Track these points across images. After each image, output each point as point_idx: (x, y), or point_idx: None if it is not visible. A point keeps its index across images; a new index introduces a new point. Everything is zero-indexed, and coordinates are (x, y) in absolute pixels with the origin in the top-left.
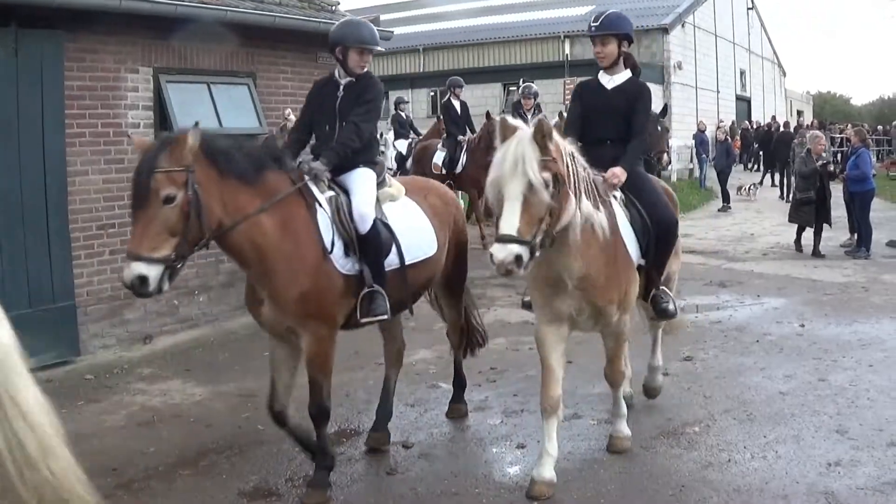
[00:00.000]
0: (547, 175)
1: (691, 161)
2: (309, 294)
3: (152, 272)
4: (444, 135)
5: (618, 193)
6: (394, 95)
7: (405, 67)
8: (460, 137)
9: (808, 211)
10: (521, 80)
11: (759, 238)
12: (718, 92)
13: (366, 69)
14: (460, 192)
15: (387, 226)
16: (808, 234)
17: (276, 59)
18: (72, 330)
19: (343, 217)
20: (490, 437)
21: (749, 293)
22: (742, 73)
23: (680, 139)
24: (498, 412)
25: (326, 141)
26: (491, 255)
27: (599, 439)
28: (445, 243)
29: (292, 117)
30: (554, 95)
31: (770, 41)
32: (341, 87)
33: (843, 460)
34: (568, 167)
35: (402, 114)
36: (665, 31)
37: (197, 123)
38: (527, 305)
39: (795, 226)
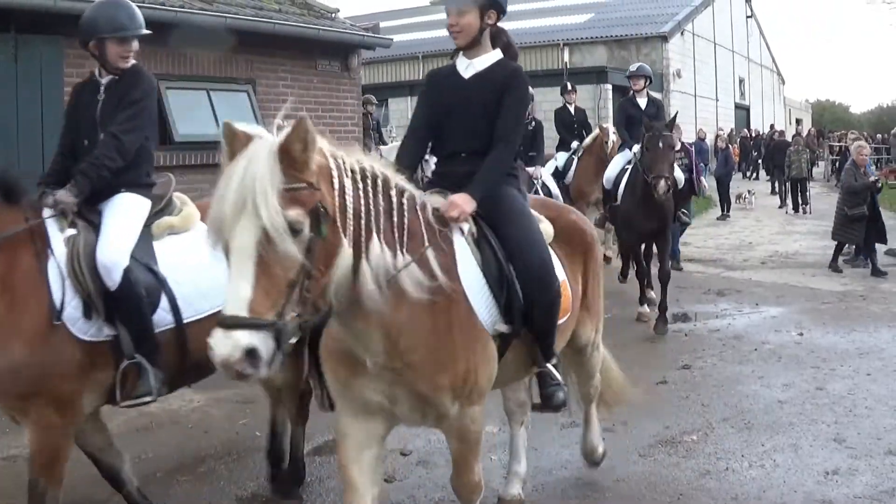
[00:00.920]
0: (297, 213)
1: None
2: (26, 370)
3: None
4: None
5: (465, 226)
6: (394, 104)
7: (405, 75)
8: (574, 144)
9: (859, 228)
10: None
11: (757, 247)
12: (717, 100)
13: (130, 62)
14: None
15: (153, 272)
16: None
17: (275, 66)
18: None
19: (78, 266)
20: (487, 444)
21: (747, 302)
22: (741, 81)
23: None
24: (496, 420)
25: (85, 159)
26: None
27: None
28: None
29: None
30: (552, 103)
31: (769, 49)
32: (101, 89)
33: (841, 469)
34: (344, 193)
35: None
36: (664, 38)
37: None
38: None
39: (835, 242)
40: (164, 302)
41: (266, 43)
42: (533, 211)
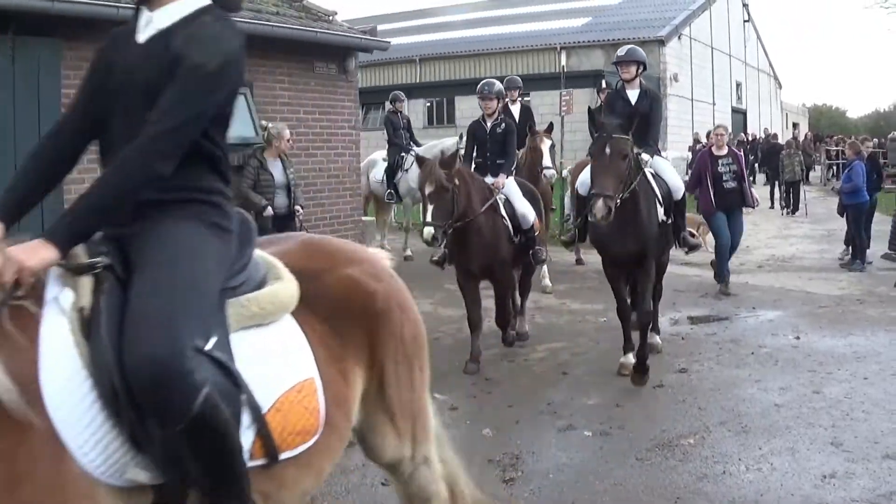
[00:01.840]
0: None
1: (687, 173)
2: None
3: None
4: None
5: (64, 296)
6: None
7: (402, 78)
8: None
9: None
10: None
11: (754, 250)
12: (714, 104)
13: None
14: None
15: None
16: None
17: (272, 69)
18: None
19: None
20: (484, 447)
21: (744, 305)
22: (738, 85)
23: (676, 151)
24: (492, 423)
25: None
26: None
27: (595, 451)
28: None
29: (270, 126)
30: (551, 106)
31: (766, 53)
32: None
33: (839, 473)
34: None
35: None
36: (661, 42)
37: None
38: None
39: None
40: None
41: (263, 45)
42: (268, 257)
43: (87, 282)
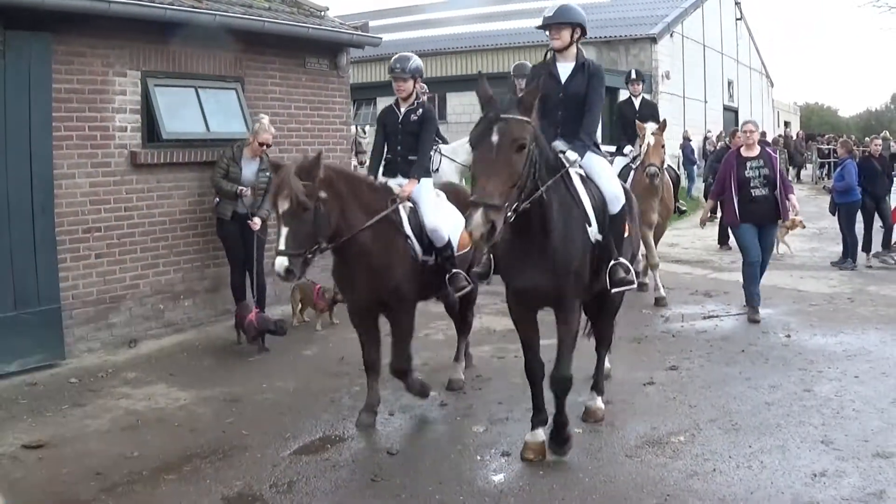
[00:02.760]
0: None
1: (681, 168)
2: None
3: None
4: None
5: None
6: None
7: None
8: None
9: None
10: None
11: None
12: (706, 102)
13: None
14: None
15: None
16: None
17: (264, 64)
18: (57, 333)
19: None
20: (475, 444)
21: (735, 303)
22: (730, 83)
23: (668, 148)
24: (483, 420)
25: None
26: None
27: (584, 447)
28: None
29: (265, 120)
30: None
31: (758, 52)
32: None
33: (829, 471)
34: None
35: None
36: (653, 40)
37: None
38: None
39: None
40: None
41: (255, 41)
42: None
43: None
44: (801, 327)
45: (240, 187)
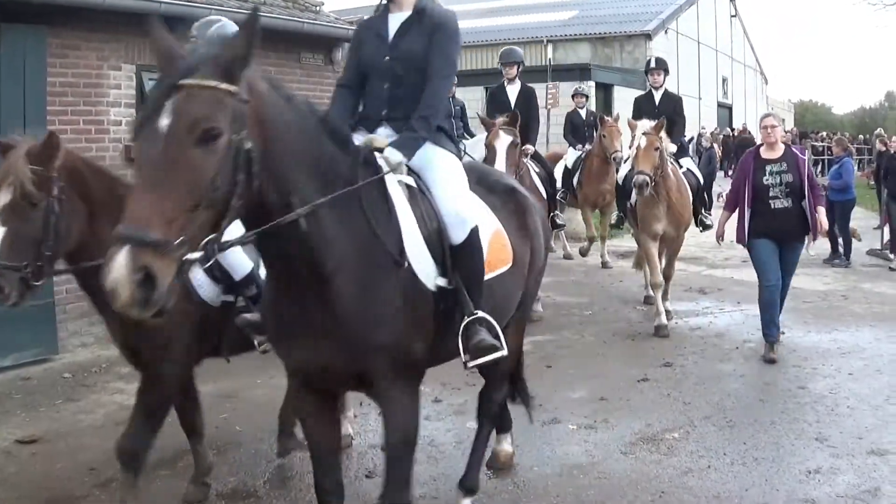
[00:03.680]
0: None
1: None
2: None
3: None
4: None
5: None
6: None
7: None
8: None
9: None
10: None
11: (738, 245)
12: (700, 99)
13: None
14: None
15: None
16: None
17: (259, 59)
18: (51, 328)
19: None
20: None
21: (729, 300)
22: (724, 80)
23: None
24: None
25: None
26: None
27: (579, 444)
28: None
29: None
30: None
31: (753, 49)
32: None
33: (823, 468)
34: None
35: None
36: (648, 37)
37: None
38: None
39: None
40: None
41: None
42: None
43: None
44: (795, 324)
45: None
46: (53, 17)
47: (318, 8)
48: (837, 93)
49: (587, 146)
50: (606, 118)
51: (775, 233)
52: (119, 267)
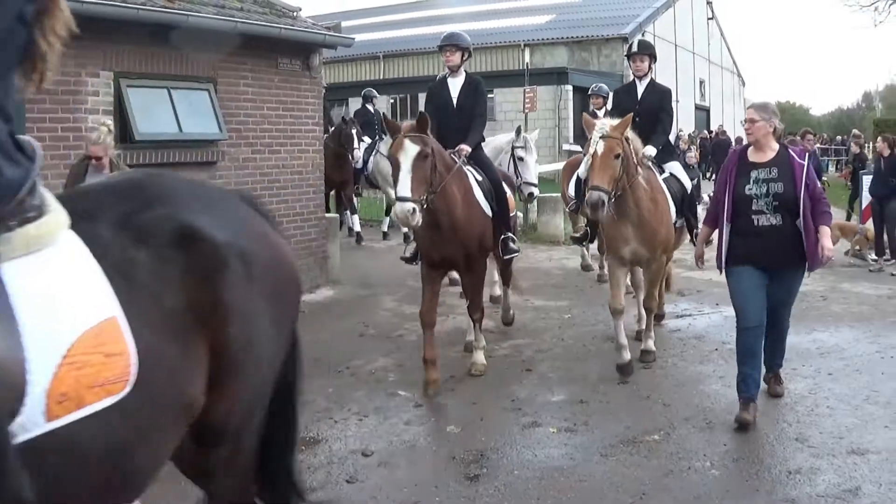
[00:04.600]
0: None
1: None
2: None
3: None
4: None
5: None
6: (354, 103)
7: (366, 74)
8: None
9: None
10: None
11: (715, 247)
12: (678, 101)
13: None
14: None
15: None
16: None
17: (236, 65)
18: None
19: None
20: (448, 445)
21: (708, 302)
22: (701, 82)
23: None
24: (457, 420)
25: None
26: None
27: (559, 447)
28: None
29: (103, 129)
30: (514, 104)
31: (730, 51)
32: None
33: (804, 468)
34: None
35: (370, 108)
36: (625, 40)
37: None
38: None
39: None
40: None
41: (227, 41)
42: None
43: None
44: None
45: None
46: None
47: (295, 14)
48: (815, 94)
49: None
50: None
51: (759, 257)
52: None
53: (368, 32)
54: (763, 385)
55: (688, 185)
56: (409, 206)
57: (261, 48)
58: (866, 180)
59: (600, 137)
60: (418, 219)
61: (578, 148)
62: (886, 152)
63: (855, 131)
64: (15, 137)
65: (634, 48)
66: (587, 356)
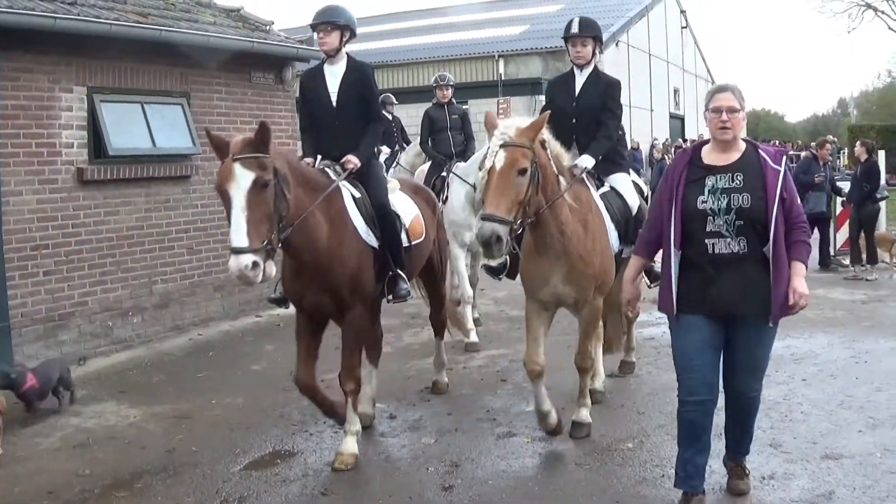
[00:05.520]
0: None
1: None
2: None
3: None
4: None
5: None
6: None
7: None
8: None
9: None
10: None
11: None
12: (652, 110)
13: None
14: None
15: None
16: None
17: (210, 79)
18: (6, 351)
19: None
20: (424, 456)
21: None
22: (676, 91)
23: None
24: (432, 431)
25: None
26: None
27: (533, 457)
28: None
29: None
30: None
31: (704, 60)
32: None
33: (777, 473)
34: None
35: (389, 115)
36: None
37: None
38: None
39: None
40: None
41: (201, 56)
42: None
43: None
44: None
45: None
46: (4, 40)
47: (268, 28)
48: (790, 101)
49: None
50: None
51: (714, 301)
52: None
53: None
54: (716, 474)
55: (633, 202)
56: (246, 259)
57: (234, 62)
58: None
59: (500, 146)
60: (262, 274)
61: None
62: (864, 157)
63: (829, 136)
64: None
65: (574, 28)
66: (561, 367)
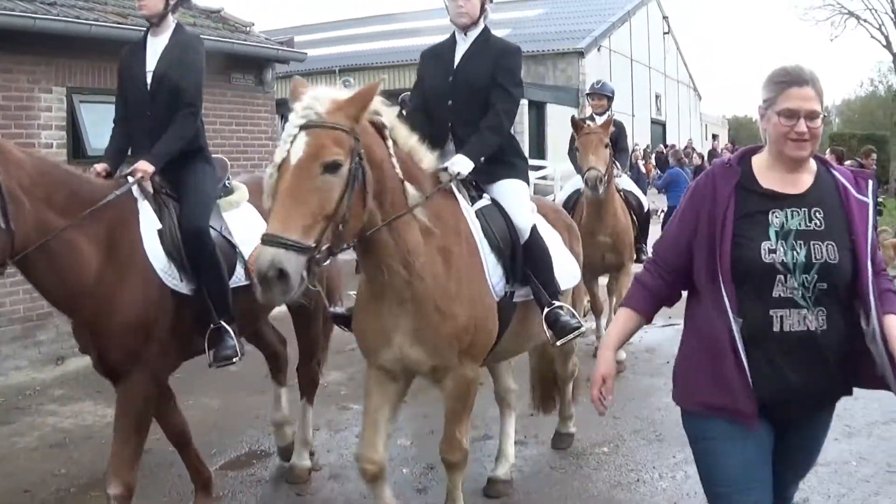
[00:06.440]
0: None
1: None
2: None
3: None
4: None
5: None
6: None
7: None
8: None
9: None
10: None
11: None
12: (633, 116)
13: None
14: None
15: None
16: None
17: None
18: None
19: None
20: (400, 458)
21: (660, 315)
22: (657, 96)
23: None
24: (408, 433)
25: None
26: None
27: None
28: None
29: None
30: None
31: (686, 65)
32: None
33: None
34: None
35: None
36: (580, 54)
37: None
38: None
39: None
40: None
41: None
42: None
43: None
44: None
45: None
46: None
47: (248, 29)
48: None
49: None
50: (587, 122)
51: (781, 400)
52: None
53: (324, 47)
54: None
55: (523, 222)
56: None
57: (214, 63)
58: None
59: (300, 128)
60: None
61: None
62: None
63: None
64: None
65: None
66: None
